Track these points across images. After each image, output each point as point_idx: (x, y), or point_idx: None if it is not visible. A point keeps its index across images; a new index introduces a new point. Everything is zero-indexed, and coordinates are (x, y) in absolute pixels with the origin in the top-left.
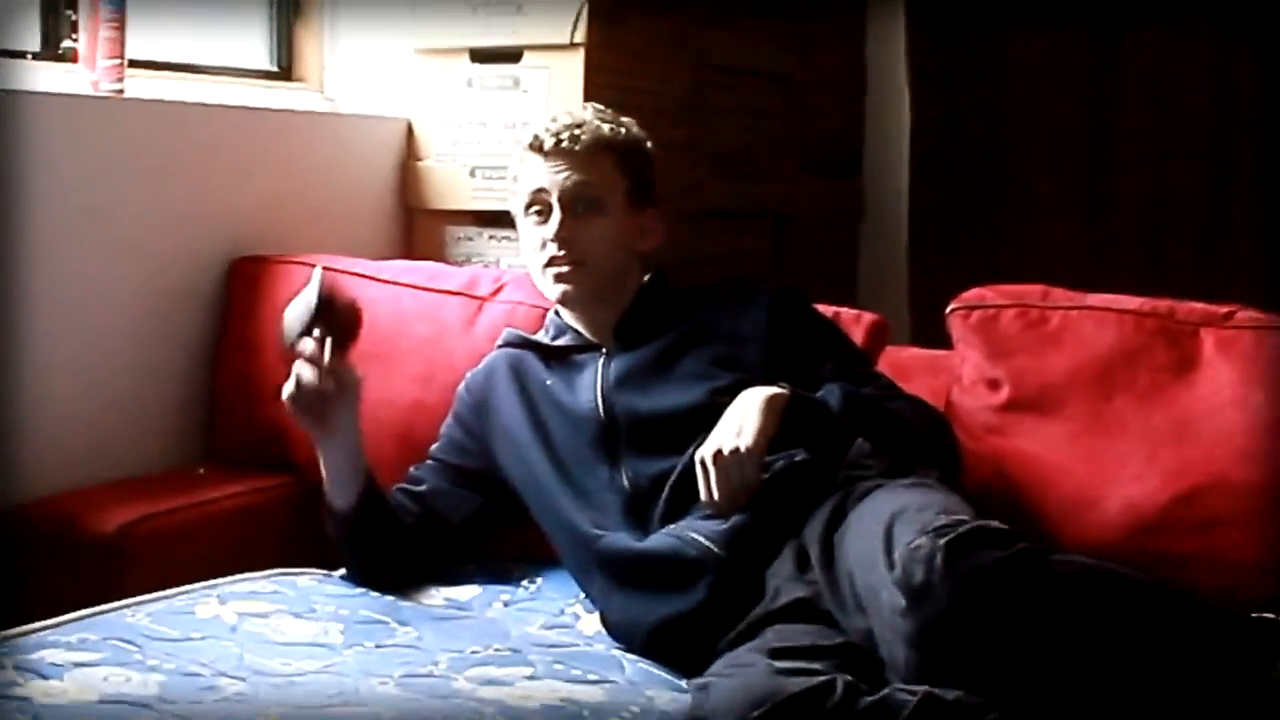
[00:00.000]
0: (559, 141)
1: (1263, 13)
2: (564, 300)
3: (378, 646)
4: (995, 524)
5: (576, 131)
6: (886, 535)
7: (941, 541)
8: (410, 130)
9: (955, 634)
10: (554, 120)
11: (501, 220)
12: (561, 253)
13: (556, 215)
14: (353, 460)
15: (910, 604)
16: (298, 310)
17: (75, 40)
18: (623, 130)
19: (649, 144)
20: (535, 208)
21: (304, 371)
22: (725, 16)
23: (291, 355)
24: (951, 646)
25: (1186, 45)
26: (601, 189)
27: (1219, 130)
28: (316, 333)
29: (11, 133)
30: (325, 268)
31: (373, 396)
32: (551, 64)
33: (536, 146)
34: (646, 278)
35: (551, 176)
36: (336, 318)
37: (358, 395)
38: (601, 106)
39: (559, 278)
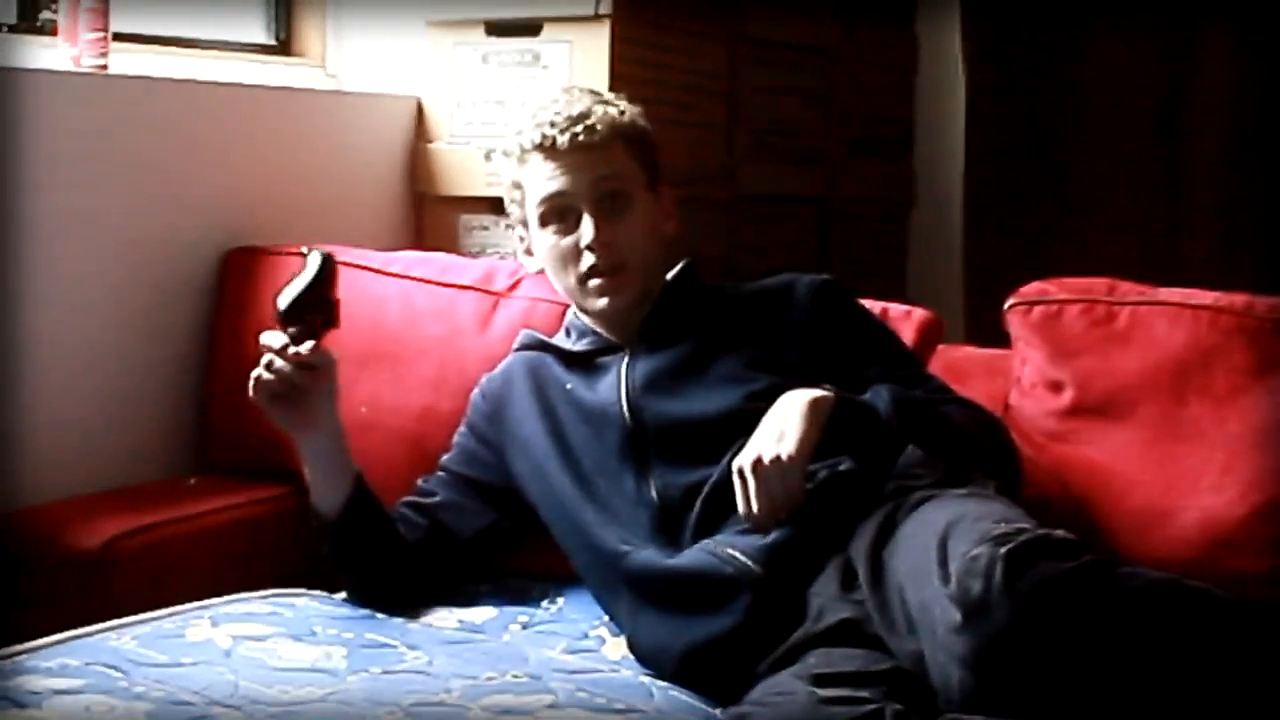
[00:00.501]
0: (574, 136)
1: None
2: (610, 314)
3: (385, 672)
4: (1060, 533)
5: (588, 123)
6: (941, 547)
7: (1001, 551)
8: (420, 109)
9: (1015, 654)
10: (555, 114)
11: None
12: (601, 260)
13: (588, 220)
14: (336, 457)
15: (966, 620)
16: (296, 292)
17: (55, 12)
18: (624, 111)
19: (643, 119)
20: (555, 217)
21: (275, 360)
22: None
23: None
24: (1011, 668)
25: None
26: (625, 181)
27: None
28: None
29: None
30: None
31: (381, 402)
32: (575, 37)
33: (545, 145)
34: (673, 272)
35: (571, 178)
36: (329, 306)
37: (334, 380)
38: (584, 86)
39: (603, 290)
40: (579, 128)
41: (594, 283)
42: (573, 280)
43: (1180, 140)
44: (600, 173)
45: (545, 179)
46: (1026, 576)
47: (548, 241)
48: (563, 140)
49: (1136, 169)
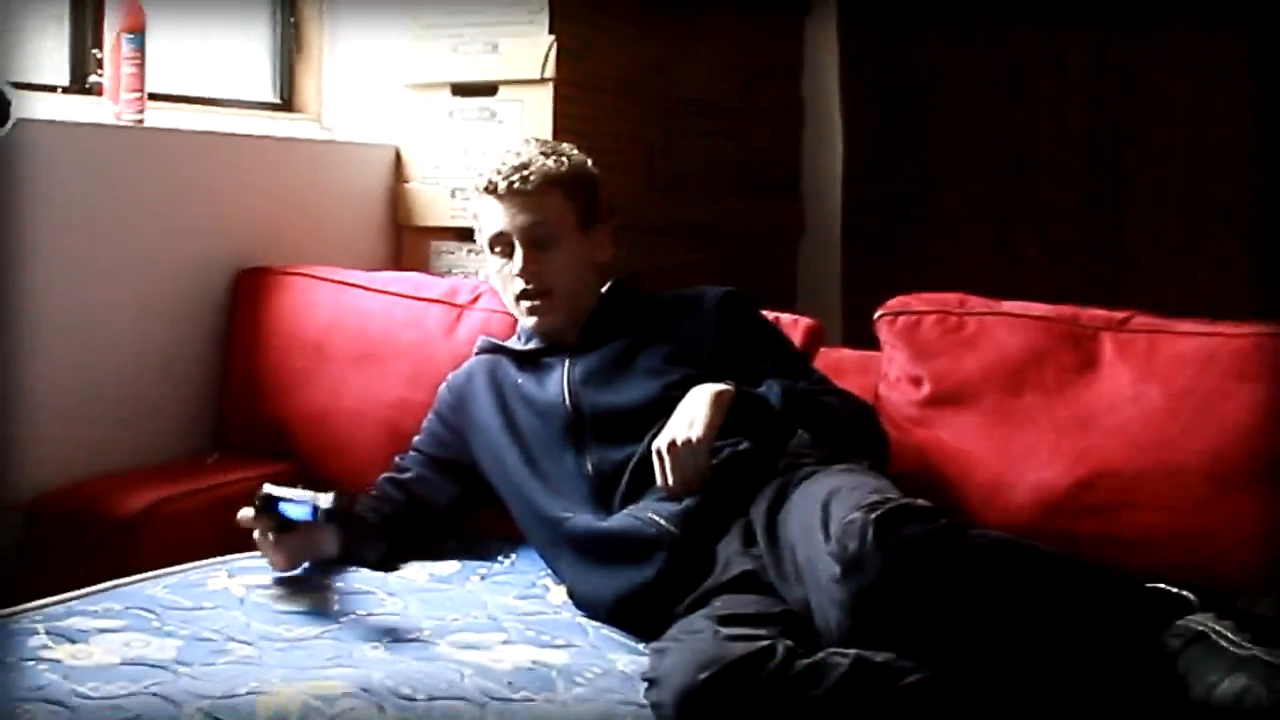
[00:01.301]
0: (511, 184)
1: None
2: (539, 331)
3: (369, 615)
4: (921, 502)
5: (525, 173)
6: (824, 512)
7: (873, 516)
8: (399, 156)
9: (885, 600)
10: (503, 163)
11: None
12: (530, 286)
13: (519, 253)
14: (330, 539)
15: (844, 572)
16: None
17: (100, 75)
18: (565, 161)
19: (590, 165)
20: (498, 247)
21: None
22: (682, 51)
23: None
24: (881, 612)
25: (1111, 52)
26: (554, 225)
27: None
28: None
29: (41, 159)
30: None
31: (366, 393)
32: (524, 97)
33: (491, 189)
34: (605, 287)
35: (508, 219)
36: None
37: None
38: (542, 138)
39: (531, 310)
40: (516, 176)
41: (524, 304)
42: (510, 299)
43: (1022, 179)
44: (533, 217)
45: (490, 217)
46: (894, 536)
47: (494, 266)
48: (503, 186)
49: (980, 204)
